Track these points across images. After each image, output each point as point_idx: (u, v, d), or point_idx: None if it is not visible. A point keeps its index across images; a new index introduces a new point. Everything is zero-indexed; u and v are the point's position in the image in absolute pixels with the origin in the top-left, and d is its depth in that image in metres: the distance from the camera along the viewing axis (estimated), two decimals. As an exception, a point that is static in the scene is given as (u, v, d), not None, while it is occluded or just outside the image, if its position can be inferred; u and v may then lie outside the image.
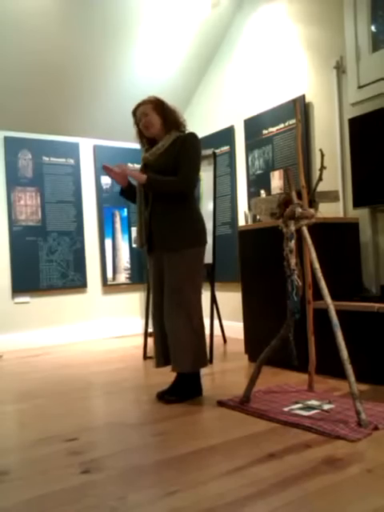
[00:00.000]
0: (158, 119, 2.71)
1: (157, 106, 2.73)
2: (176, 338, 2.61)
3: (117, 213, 5.31)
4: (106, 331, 5.18)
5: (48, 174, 4.92)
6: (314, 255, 2.40)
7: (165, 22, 4.42)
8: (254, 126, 4.38)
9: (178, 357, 2.62)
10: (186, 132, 2.76)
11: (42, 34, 4.13)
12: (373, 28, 3.39)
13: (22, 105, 4.57)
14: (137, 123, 2.80)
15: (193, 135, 2.70)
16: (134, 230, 5.34)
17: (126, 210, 5.34)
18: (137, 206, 2.77)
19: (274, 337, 2.45)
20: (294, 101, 2.74)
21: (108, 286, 5.23)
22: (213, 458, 1.86)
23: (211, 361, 3.60)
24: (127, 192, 2.83)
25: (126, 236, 5.36)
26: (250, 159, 4.44)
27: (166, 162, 2.65)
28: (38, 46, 4.21)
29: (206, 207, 3.93)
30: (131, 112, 2.81)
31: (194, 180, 2.67)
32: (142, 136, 2.83)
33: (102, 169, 2.70)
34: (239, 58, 4.58)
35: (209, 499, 1.54)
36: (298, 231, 2.43)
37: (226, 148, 4.73)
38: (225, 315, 4.47)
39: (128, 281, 5.33)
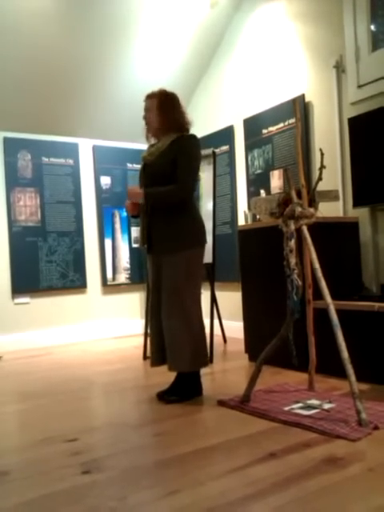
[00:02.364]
0: (157, 118, 2.67)
1: (161, 103, 2.67)
2: (174, 338, 2.61)
3: (116, 213, 5.31)
4: (106, 331, 5.17)
5: (47, 174, 4.92)
6: (313, 255, 2.40)
7: (163, 22, 4.42)
8: (253, 125, 4.38)
9: (175, 356, 2.61)
10: (187, 133, 2.73)
11: (40, 34, 4.13)
12: (372, 27, 3.39)
13: (21, 105, 4.57)
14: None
15: (192, 137, 2.68)
16: (133, 230, 5.34)
17: (125, 210, 5.34)
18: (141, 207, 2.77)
19: (274, 336, 2.45)
20: (294, 100, 2.74)
21: (108, 287, 5.23)
22: (213, 458, 1.86)
23: (211, 360, 3.59)
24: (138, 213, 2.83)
25: (126, 236, 5.35)
26: (249, 159, 4.44)
27: (164, 163, 2.62)
28: (37, 47, 4.20)
29: (206, 207, 3.93)
30: (144, 100, 2.76)
31: (193, 186, 2.65)
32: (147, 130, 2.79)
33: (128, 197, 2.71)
34: (238, 58, 4.58)
35: (209, 499, 1.54)
36: (298, 230, 2.43)
37: (225, 147, 4.73)
38: (225, 315, 4.47)
39: (128, 281, 5.33)
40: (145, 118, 2.74)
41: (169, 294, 2.62)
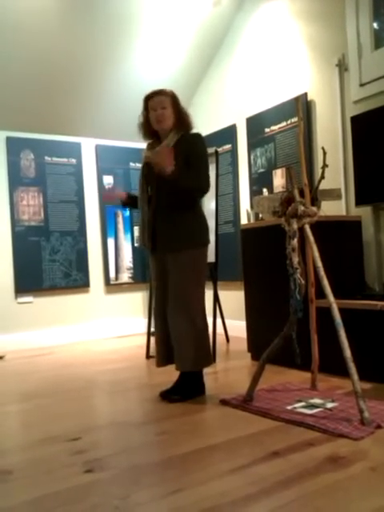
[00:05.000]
0: (173, 116, 2.66)
1: (175, 101, 2.68)
2: (179, 338, 2.62)
3: (119, 212, 5.31)
4: (109, 331, 5.18)
5: (50, 173, 4.93)
6: (316, 253, 2.39)
7: (166, 21, 4.42)
8: (256, 124, 4.37)
9: (181, 355, 2.62)
10: (191, 132, 2.73)
11: (43, 34, 4.13)
12: (375, 25, 3.38)
13: (23, 105, 4.58)
14: (146, 111, 2.70)
15: (199, 136, 2.69)
16: (136, 229, 5.34)
17: (128, 209, 5.34)
18: (139, 206, 2.76)
19: (276, 335, 2.45)
20: (296, 99, 2.73)
21: (111, 286, 5.23)
22: (216, 457, 1.86)
23: (214, 359, 3.59)
24: (128, 203, 2.85)
25: (129, 235, 5.36)
26: (252, 157, 4.44)
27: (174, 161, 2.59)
28: (40, 46, 4.21)
29: (208, 206, 3.93)
30: (144, 97, 2.70)
31: (210, 183, 2.66)
32: (146, 127, 2.74)
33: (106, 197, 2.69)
34: (241, 56, 4.57)
35: (212, 498, 1.54)
36: (301, 229, 2.43)
37: (228, 146, 4.73)
38: (227, 314, 4.47)
39: (130, 280, 5.33)
40: (153, 113, 2.64)
41: (174, 293, 2.62)
